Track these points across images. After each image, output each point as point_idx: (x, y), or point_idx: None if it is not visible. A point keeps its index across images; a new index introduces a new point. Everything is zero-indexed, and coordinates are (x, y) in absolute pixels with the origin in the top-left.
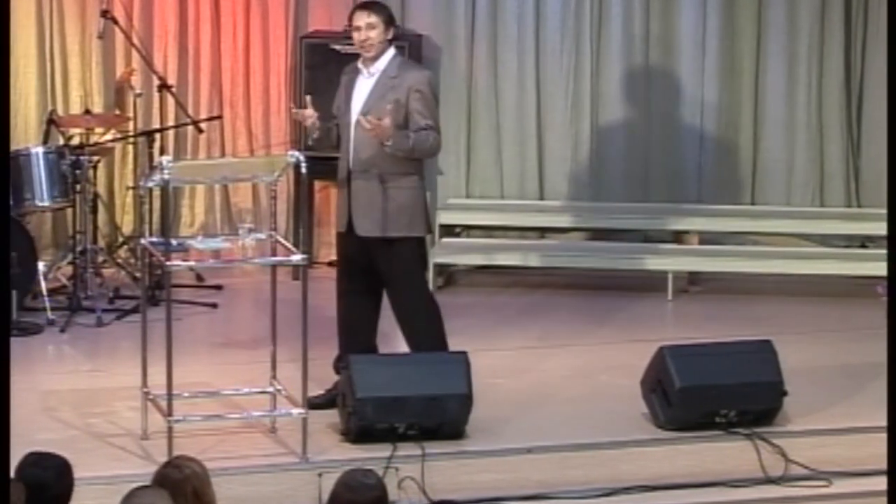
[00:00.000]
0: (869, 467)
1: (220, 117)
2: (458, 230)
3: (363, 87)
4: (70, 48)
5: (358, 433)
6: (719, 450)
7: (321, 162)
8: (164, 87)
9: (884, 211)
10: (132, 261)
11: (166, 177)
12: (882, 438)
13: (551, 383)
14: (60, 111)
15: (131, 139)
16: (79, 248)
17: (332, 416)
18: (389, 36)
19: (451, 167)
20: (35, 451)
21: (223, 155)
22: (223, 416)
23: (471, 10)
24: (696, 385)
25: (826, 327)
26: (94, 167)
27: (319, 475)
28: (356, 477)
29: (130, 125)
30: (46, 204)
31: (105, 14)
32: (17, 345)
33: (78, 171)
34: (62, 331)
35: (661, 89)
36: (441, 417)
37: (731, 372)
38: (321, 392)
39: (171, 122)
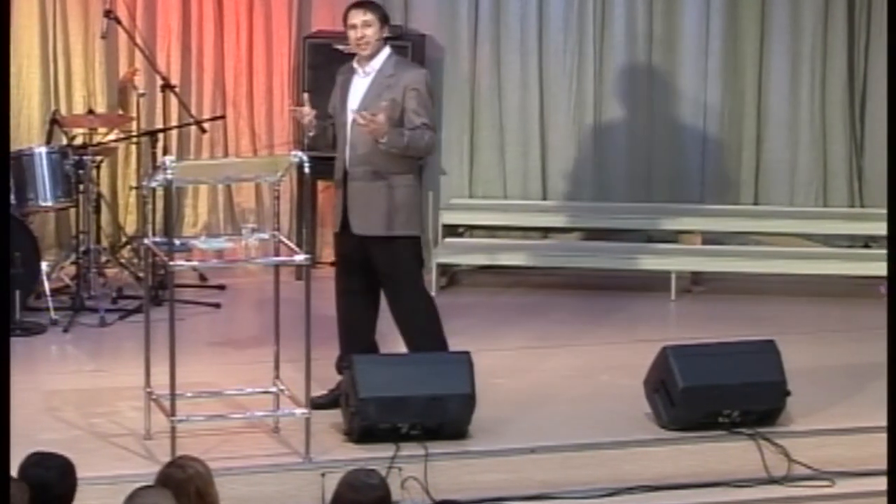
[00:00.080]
0: (872, 467)
1: (223, 117)
2: (461, 230)
3: (359, 86)
4: (73, 48)
5: (361, 433)
6: (722, 450)
7: (324, 162)
8: (167, 86)
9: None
10: (135, 261)
11: (169, 177)
12: (885, 438)
13: (554, 383)
14: (64, 111)
15: (134, 139)
16: (82, 248)
17: (335, 416)
18: (385, 34)
19: (453, 167)
20: (38, 451)
21: (226, 155)
22: (226, 416)
23: (474, 10)
24: (700, 385)
25: (829, 327)
26: (98, 167)
27: (322, 475)
28: (359, 477)
29: (134, 125)
30: (50, 204)
31: (108, 14)
32: (20, 345)
33: (81, 171)
34: (65, 331)
35: (664, 89)
36: (444, 417)
37: (734, 372)
38: (324, 392)
39: (174, 122)
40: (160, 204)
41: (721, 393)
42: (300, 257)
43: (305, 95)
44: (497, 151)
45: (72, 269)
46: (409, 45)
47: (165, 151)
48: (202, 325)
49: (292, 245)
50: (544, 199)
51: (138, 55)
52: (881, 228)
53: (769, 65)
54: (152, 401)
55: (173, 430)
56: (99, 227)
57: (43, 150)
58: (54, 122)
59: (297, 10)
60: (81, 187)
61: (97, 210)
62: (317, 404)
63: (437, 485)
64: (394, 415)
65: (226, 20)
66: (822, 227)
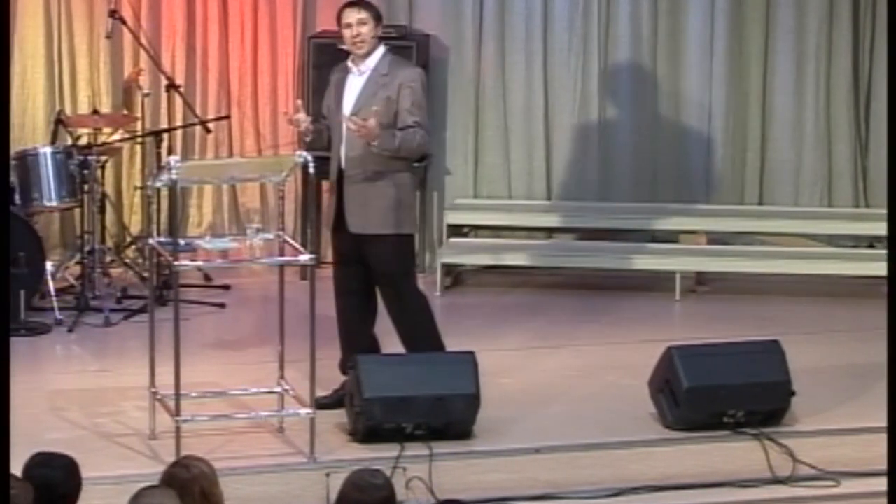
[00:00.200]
0: (877, 467)
1: (227, 117)
2: (465, 230)
3: (354, 85)
4: (78, 48)
5: (366, 433)
6: (727, 450)
7: (329, 162)
8: (172, 86)
9: None
10: (140, 261)
11: (174, 177)
12: None
13: (559, 383)
14: (68, 111)
15: (139, 139)
16: (87, 248)
17: (339, 416)
18: (379, 33)
19: (458, 167)
20: (42, 451)
21: (231, 155)
22: (231, 416)
23: (478, 10)
24: (704, 385)
25: (834, 327)
26: (102, 167)
27: (327, 475)
28: (364, 477)
29: (138, 125)
30: (54, 204)
31: (113, 14)
32: (24, 345)
33: (86, 171)
34: (70, 331)
35: (669, 89)
36: (448, 417)
37: (738, 372)
38: (329, 392)
39: (178, 122)
40: (165, 204)
41: (726, 393)
42: (305, 257)
43: (299, 102)
44: (502, 151)
45: (76, 269)
46: (413, 45)
47: (170, 151)
48: (207, 325)
49: (297, 245)
50: (549, 199)
51: (143, 55)
52: (886, 228)
53: (774, 65)
54: (157, 401)
55: (178, 430)
56: (104, 227)
57: (48, 150)
58: (59, 122)
59: (302, 11)
60: (86, 187)
61: (102, 210)
62: (321, 404)
63: (441, 485)
64: (398, 415)
65: (231, 20)
66: (826, 227)
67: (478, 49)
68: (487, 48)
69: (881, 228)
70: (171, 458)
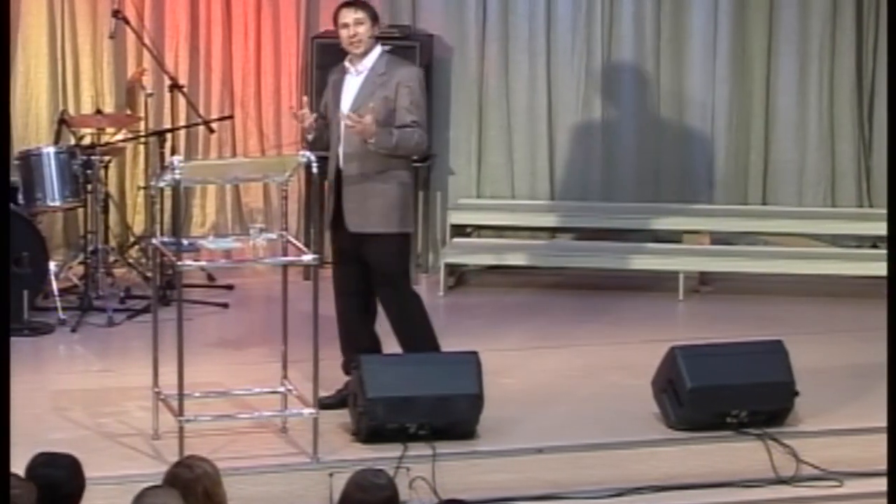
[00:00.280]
0: (880, 468)
1: (231, 117)
2: (468, 230)
3: (352, 85)
4: (81, 48)
5: (369, 433)
6: (730, 450)
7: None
8: (175, 87)
9: None
10: (143, 261)
11: (177, 177)
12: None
13: (562, 383)
14: (72, 111)
15: (142, 139)
16: (90, 248)
17: (342, 416)
18: (376, 32)
19: (461, 167)
20: (45, 451)
21: (234, 155)
22: (234, 416)
23: (482, 10)
24: (708, 385)
25: (837, 327)
26: (106, 167)
27: (330, 475)
28: (367, 477)
29: (142, 125)
30: (58, 204)
31: (116, 14)
32: (27, 344)
33: (89, 171)
34: (73, 330)
35: (673, 90)
36: (452, 417)
37: (742, 372)
38: (332, 392)
39: (182, 122)
40: (168, 204)
41: (729, 393)
42: (308, 257)
43: (305, 99)
44: (505, 151)
45: (80, 269)
46: (417, 45)
47: (173, 151)
48: (210, 325)
49: (300, 245)
50: (552, 199)
51: (146, 55)
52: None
53: (777, 65)
54: (160, 401)
55: (181, 429)
56: (107, 227)
57: (51, 149)
58: (62, 122)
59: (305, 11)
60: (89, 187)
61: (105, 210)
62: (325, 404)
63: (444, 485)
64: (402, 415)
65: (234, 20)
66: (830, 227)
67: (481, 49)
68: (491, 48)
69: (884, 228)
70: (175, 458)
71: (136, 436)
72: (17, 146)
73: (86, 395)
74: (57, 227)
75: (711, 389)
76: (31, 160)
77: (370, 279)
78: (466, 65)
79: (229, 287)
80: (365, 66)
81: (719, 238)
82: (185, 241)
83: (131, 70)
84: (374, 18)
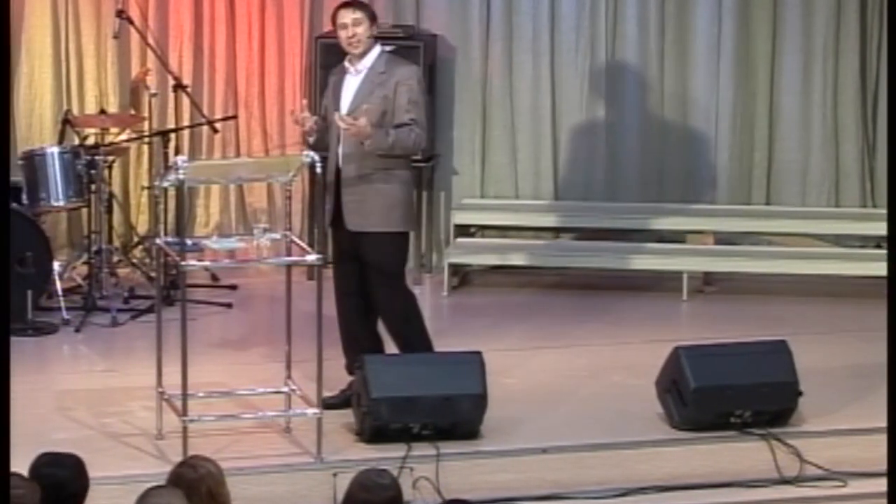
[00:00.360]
0: (884, 468)
1: (235, 117)
2: (472, 230)
3: (351, 84)
4: (85, 48)
5: (372, 433)
6: (734, 450)
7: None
8: (179, 86)
9: None
10: (147, 260)
11: (181, 177)
12: None
13: (565, 383)
14: (76, 111)
15: (146, 139)
16: (94, 248)
17: (346, 416)
18: (375, 32)
19: (465, 167)
20: (49, 451)
21: (238, 155)
22: (238, 416)
23: (485, 10)
24: (711, 385)
25: (841, 328)
26: (110, 167)
27: (334, 475)
28: (371, 477)
29: (146, 125)
30: (61, 204)
31: (120, 14)
32: (32, 345)
33: (93, 171)
34: (77, 330)
35: (676, 90)
36: (455, 417)
37: (746, 372)
38: (336, 392)
39: (186, 122)
40: (172, 204)
41: (733, 393)
42: (312, 257)
43: (304, 102)
44: (509, 151)
45: (84, 269)
46: (420, 45)
47: (177, 151)
48: (214, 325)
49: (304, 245)
50: (556, 199)
51: (150, 55)
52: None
53: (781, 65)
54: (164, 401)
55: (185, 429)
56: (111, 227)
57: (55, 149)
58: (66, 122)
59: (309, 11)
60: (93, 187)
61: (109, 210)
62: (328, 404)
63: (448, 485)
64: (405, 415)
65: (238, 20)
66: (833, 227)
67: (485, 49)
68: (494, 48)
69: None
70: (178, 458)
71: (139, 436)
72: (21, 146)
73: (90, 395)
74: (61, 227)
75: (715, 389)
76: (35, 160)
77: (367, 277)
78: (470, 65)
79: (233, 287)
80: (364, 65)
81: (723, 238)
82: (188, 241)
83: (135, 70)
84: (373, 18)
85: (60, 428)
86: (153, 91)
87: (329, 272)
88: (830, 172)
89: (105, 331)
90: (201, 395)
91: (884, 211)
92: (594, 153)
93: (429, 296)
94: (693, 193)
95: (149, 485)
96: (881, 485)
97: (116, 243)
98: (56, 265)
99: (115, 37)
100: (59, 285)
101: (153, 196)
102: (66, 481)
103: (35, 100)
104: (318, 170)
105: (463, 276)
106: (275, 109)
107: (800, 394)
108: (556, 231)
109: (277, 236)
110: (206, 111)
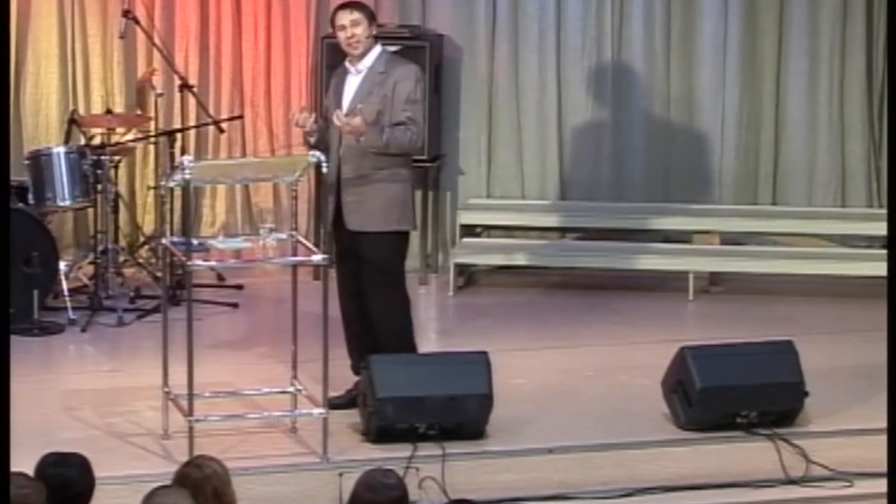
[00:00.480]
0: None
1: (241, 117)
2: (478, 230)
3: (352, 85)
4: (92, 48)
5: (378, 433)
6: (740, 450)
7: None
8: (185, 86)
9: None
10: (153, 260)
11: (187, 176)
12: None
13: (571, 383)
14: (82, 111)
15: (152, 139)
16: (100, 248)
17: (352, 416)
18: (374, 32)
19: (471, 167)
20: (54, 451)
21: (244, 155)
22: (244, 416)
23: (491, 10)
24: (717, 385)
25: (847, 328)
26: (116, 167)
27: (340, 475)
28: (377, 477)
29: (152, 125)
30: (68, 203)
31: (126, 14)
32: (38, 344)
33: (99, 171)
34: (83, 330)
35: (682, 90)
36: (461, 417)
37: (752, 372)
38: (342, 392)
39: (192, 122)
40: (178, 204)
41: (739, 393)
42: (318, 257)
43: (303, 105)
44: (515, 151)
45: (90, 269)
46: (426, 46)
47: (183, 151)
48: (220, 325)
49: (310, 245)
50: (562, 199)
51: (156, 55)
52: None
53: (787, 65)
54: (170, 400)
55: (191, 429)
56: (117, 227)
57: (61, 149)
58: (72, 122)
59: (315, 11)
60: (99, 187)
61: (115, 210)
62: (334, 404)
63: (454, 485)
64: (411, 415)
65: (244, 20)
66: (840, 227)
67: (491, 49)
68: (500, 48)
69: None
70: (184, 458)
71: (145, 435)
72: (28, 146)
73: (96, 394)
74: (67, 227)
75: (721, 390)
76: (41, 160)
77: (364, 275)
78: (476, 65)
79: (239, 287)
80: (364, 65)
81: (729, 238)
82: (194, 241)
83: (141, 70)
84: (371, 18)
85: (66, 427)
86: (159, 91)
87: (335, 272)
88: (837, 173)
89: (111, 331)
90: (207, 394)
91: None
92: (600, 153)
93: (435, 296)
94: (699, 193)
95: (154, 485)
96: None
97: (122, 243)
98: (62, 265)
99: (122, 37)
100: (65, 285)
101: (159, 196)
102: (71, 481)
103: (41, 100)
104: (325, 169)
105: (469, 276)
106: (281, 109)
107: (806, 394)
108: (562, 231)
109: (283, 236)
110: (212, 111)
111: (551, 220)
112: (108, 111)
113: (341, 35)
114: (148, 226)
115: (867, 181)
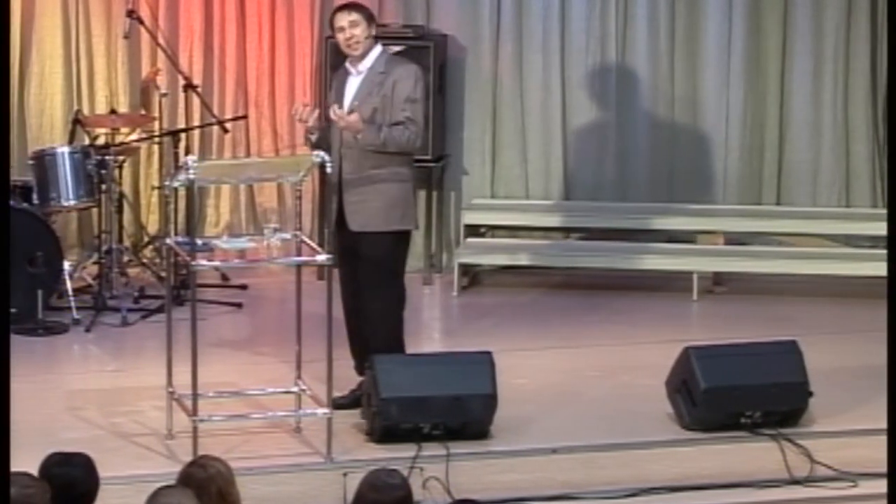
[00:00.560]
0: None
1: (245, 117)
2: (482, 230)
3: (352, 85)
4: (96, 48)
5: (382, 433)
6: (744, 451)
7: None
8: (189, 86)
9: None
10: (157, 260)
11: (191, 176)
12: None
13: (576, 383)
14: (86, 111)
15: (157, 139)
16: (104, 248)
17: (356, 416)
18: (373, 32)
19: (475, 167)
20: (59, 451)
21: (248, 155)
22: (248, 416)
23: (496, 10)
24: (722, 386)
25: (852, 328)
26: (120, 167)
27: (344, 475)
28: (381, 477)
29: (156, 125)
30: (72, 203)
31: (131, 14)
32: (42, 344)
33: (103, 171)
34: (87, 330)
35: (687, 90)
36: (465, 417)
37: (756, 373)
38: (346, 392)
39: (196, 122)
40: (182, 204)
41: (743, 394)
42: (322, 257)
43: (306, 101)
44: (519, 151)
45: (94, 269)
46: (431, 45)
47: (188, 151)
48: (224, 325)
49: (314, 245)
50: (566, 199)
51: (161, 55)
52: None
53: (792, 65)
54: (174, 400)
55: (195, 429)
56: (121, 227)
57: (65, 149)
58: (77, 122)
59: (319, 11)
60: (104, 187)
61: (119, 210)
62: (338, 404)
63: (458, 485)
64: (415, 415)
65: (248, 20)
66: (844, 227)
67: (495, 49)
68: (505, 48)
69: None
70: (188, 458)
71: (149, 435)
72: (32, 146)
73: (100, 394)
74: (71, 227)
75: (725, 390)
76: (45, 160)
77: (363, 273)
78: (480, 65)
79: (243, 287)
80: (365, 66)
81: (733, 238)
82: (199, 241)
83: (146, 70)
84: (370, 19)
85: (70, 427)
86: (163, 91)
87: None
88: (841, 173)
89: (115, 330)
90: (211, 394)
91: None
92: (604, 153)
93: (438, 296)
94: (703, 193)
95: (159, 484)
96: None
97: (127, 243)
98: (66, 265)
99: (126, 37)
100: (69, 285)
101: (163, 196)
102: (76, 481)
103: (45, 100)
104: (329, 169)
105: (473, 276)
106: (285, 109)
107: (810, 394)
108: (566, 231)
109: (288, 236)
110: (216, 111)
111: (555, 221)
112: (113, 111)
113: (340, 36)
114: (152, 226)
115: (871, 181)
